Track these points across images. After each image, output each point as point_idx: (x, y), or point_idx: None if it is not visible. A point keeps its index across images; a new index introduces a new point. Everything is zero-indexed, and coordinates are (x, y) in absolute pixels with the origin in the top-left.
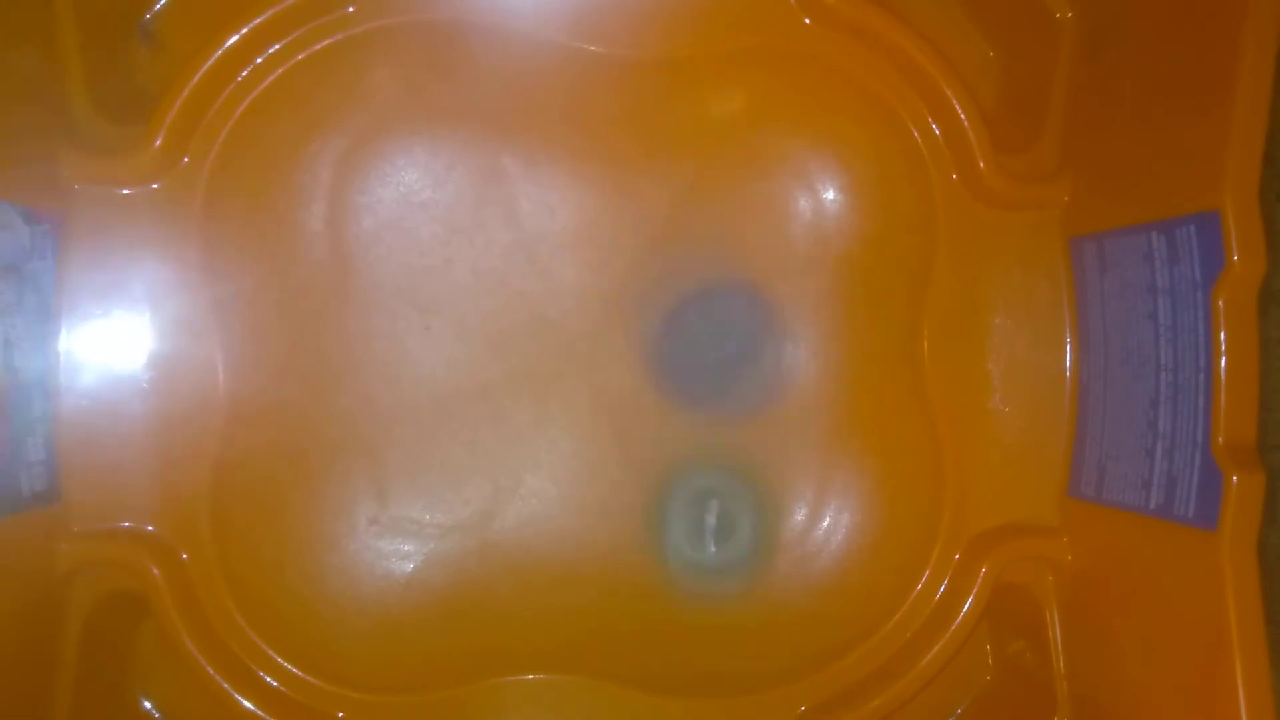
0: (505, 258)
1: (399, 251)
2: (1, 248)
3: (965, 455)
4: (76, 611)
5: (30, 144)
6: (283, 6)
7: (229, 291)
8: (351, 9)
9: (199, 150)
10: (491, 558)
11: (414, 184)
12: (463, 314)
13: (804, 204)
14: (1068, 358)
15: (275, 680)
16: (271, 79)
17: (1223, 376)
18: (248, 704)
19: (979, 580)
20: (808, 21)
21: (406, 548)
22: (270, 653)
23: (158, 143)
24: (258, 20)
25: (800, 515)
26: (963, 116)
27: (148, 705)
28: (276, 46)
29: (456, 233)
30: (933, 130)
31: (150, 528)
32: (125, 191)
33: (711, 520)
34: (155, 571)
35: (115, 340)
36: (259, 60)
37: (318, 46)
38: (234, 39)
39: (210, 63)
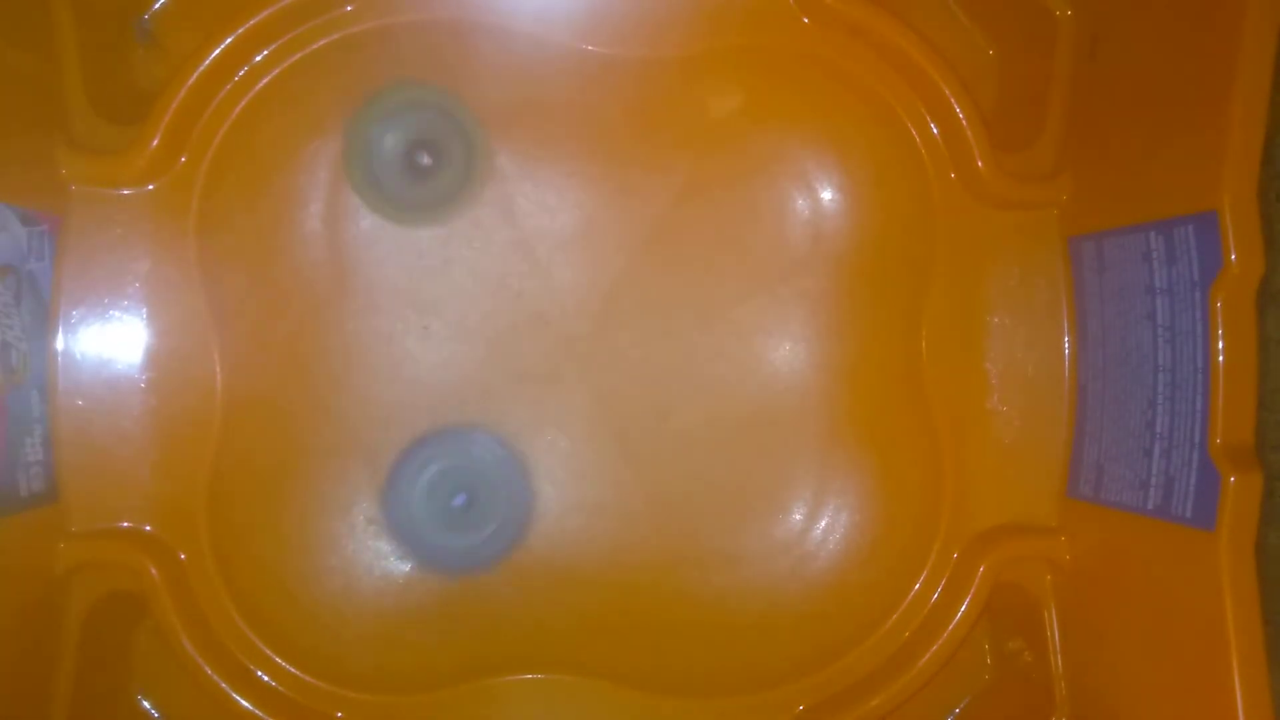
0: (503, 258)
1: (397, 251)
2: None
3: (964, 455)
4: (75, 611)
5: (27, 144)
6: (281, 6)
7: (227, 292)
8: (349, 8)
9: (196, 150)
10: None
11: None
12: (461, 314)
13: (802, 203)
14: (1066, 357)
15: (273, 680)
16: (269, 79)
17: (1220, 377)
18: (246, 704)
19: (977, 580)
20: (806, 21)
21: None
22: (268, 653)
23: (155, 143)
24: (255, 20)
25: (799, 515)
26: (961, 116)
27: (146, 705)
28: (274, 46)
29: (455, 233)
30: (931, 130)
31: (148, 528)
32: (123, 192)
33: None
34: (153, 571)
35: (113, 341)
36: (257, 60)
37: (315, 46)
38: (232, 38)
39: (208, 62)
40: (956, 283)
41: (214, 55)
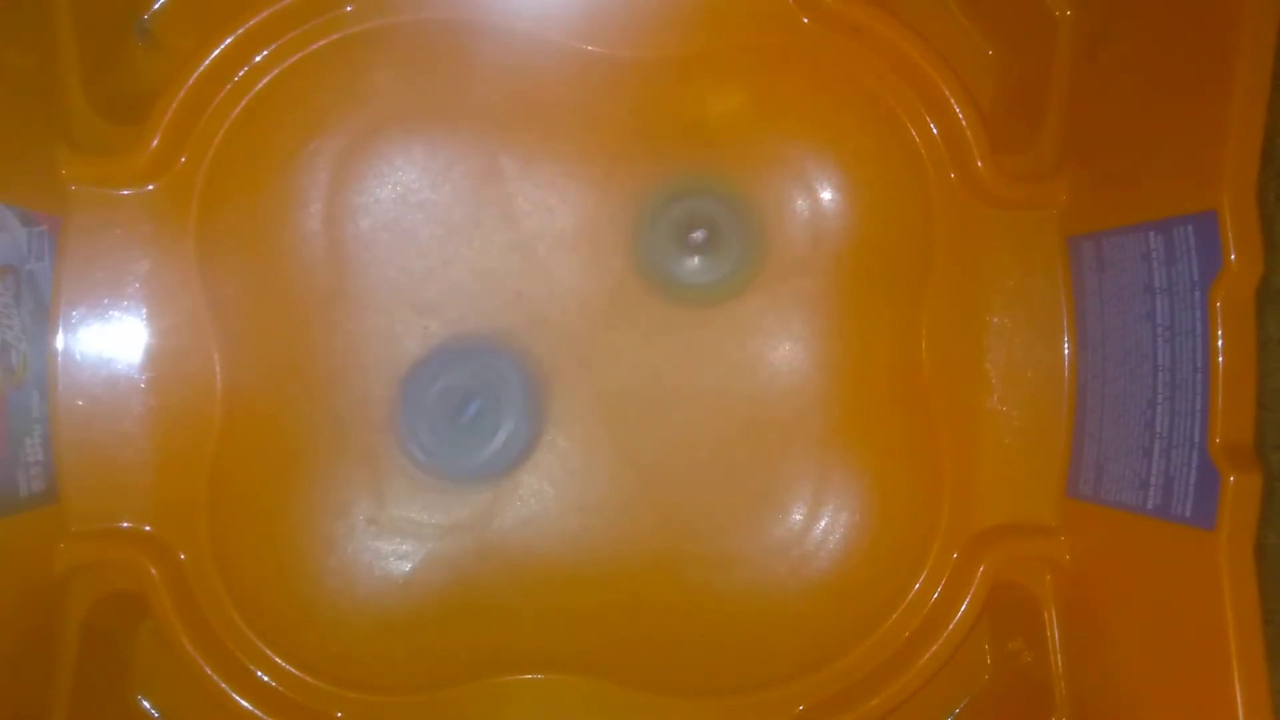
0: (503, 258)
1: (397, 252)
2: None
3: (963, 455)
4: (75, 611)
5: (27, 145)
6: (280, 6)
7: (227, 292)
8: (349, 8)
9: (196, 151)
10: (490, 558)
11: (412, 184)
12: (461, 314)
13: (801, 203)
14: (1066, 357)
15: (273, 680)
16: (269, 79)
17: (1220, 376)
18: (246, 704)
19: (977, 579)
20: (806, 21)
21: (405, 548)
22: (268, 653)
23: (155, 143)
24: (255, 20)
25: (799, 514)
26: (961, 116)
27: (146, 705)
28: (274, 46)
29: (454, 233)
30: (930, 129)
31: (148, 528)
32: (123, 192)
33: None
34: (153, 572)
35: (113, 341)
36: (256, 60)
37: (315, 46)
38: (231, 39)
39: (207, 63)
40: (956, 283)
41: (214, 55)
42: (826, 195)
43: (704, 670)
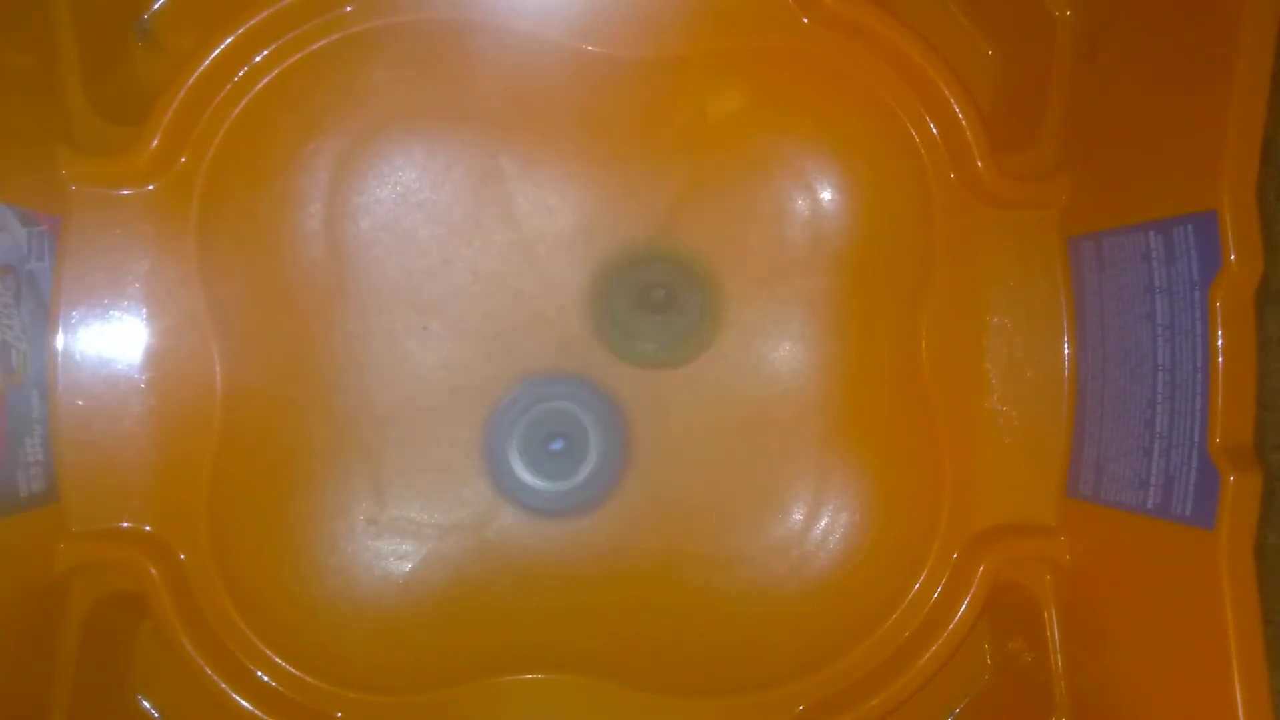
0: (503, 258)
1: (397, 252)
2: None
3: (963, 455)
4: (75, 611)
5: (27, 145)
6: (280, 6)
7: (227, 292)
8: (349, 9)
9: (196, 151)
10: (490, 558)
11: (412, 184)
12: (461, 314)
13: (801, 203)
14: (1065, 357)
15: (273, 680)
16: (269, 79)
17: (1220, 376)
18: (246, 704)
19: (977, 579)
20: (806, 21)
21: (405, 548)
22: (268, 653)
23: (155, 143)
24: (255, 20)
25: (799, 514)
26: (960, 116)
27: (146, 705)
28: (274, 46)
29: (454, 233)
30: (930, 129)
31: (148, 528)
32: (123, 192)
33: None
34: (153, 572)
35: (113, 341)
36: (256, 60)
37: (315, 46)
38: (231, 39)
39: (207, 63)
40: (956, 283)
41: (214, 55)
42: (826, 195)
43: (704, 670)
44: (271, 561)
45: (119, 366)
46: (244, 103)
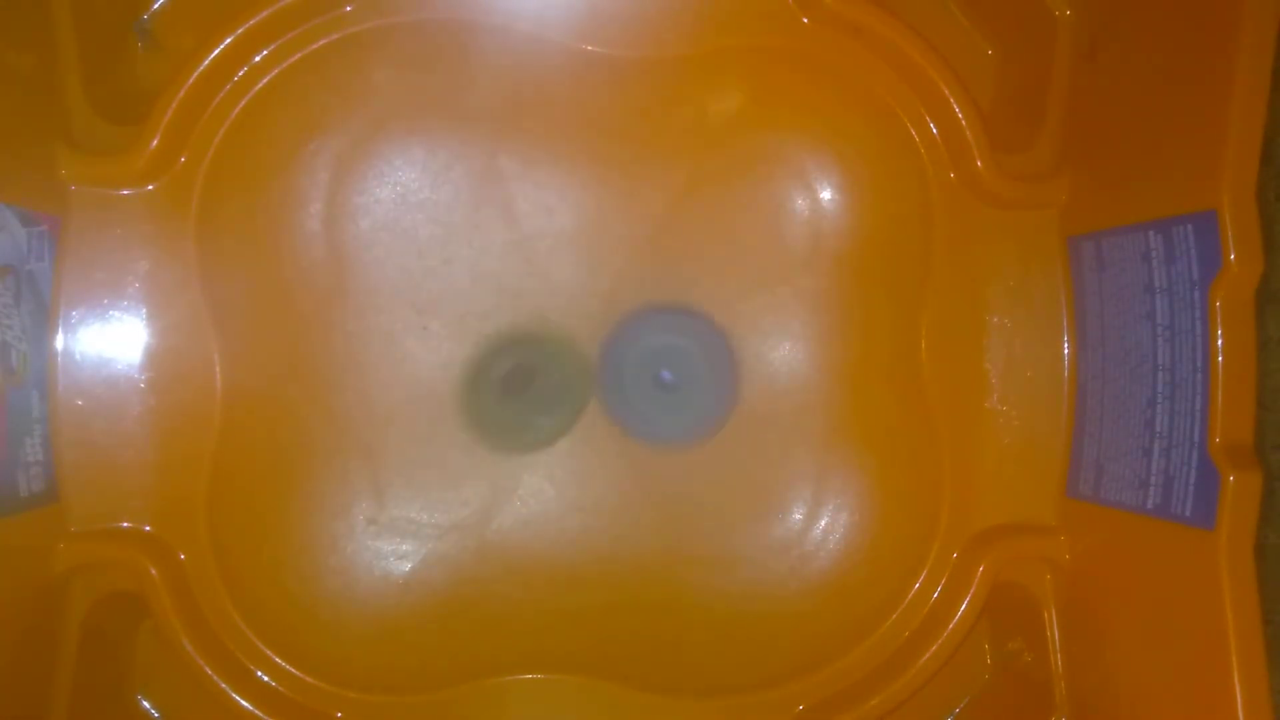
0: (503, 258)
1: (397, 252)
2: None
3: (963, 454)
4: (75, 611)
5: (27, 145)
6: (280, 6)
7: (226, 292)
8: (349, 8)
9: (196, 151)
10: (490, 558)
11: (412, 184)
12: (461, 314)
13: (801, 203)
14: (1065, 357)
15: (273, 680)
16: (269, 79)
17: (1220, 376)
18: (246, 704)
19: (977, 579)
20: (806, 21)
21: (404, 548)
22: (268, 653)
23: (154, 143)
24: (255, 20)
25: (798, 514)
26: (960, 115)
27: (146, 705)
28: (274, 46)
29: (454, 233)
30: (930, 129)
31: (148, 528)
32: (122, 192)
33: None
34: (153, 572)
35: (112, 341)
36: (256, 60)
37: (315, 46)
38: (231, 39)
39: (207, 62)
40: (956, 282)
41: (214, 55)
42: (826, 195)
43: (704, 670)
44: (271, 561)
45: (119, 366)
46: (244, 103)
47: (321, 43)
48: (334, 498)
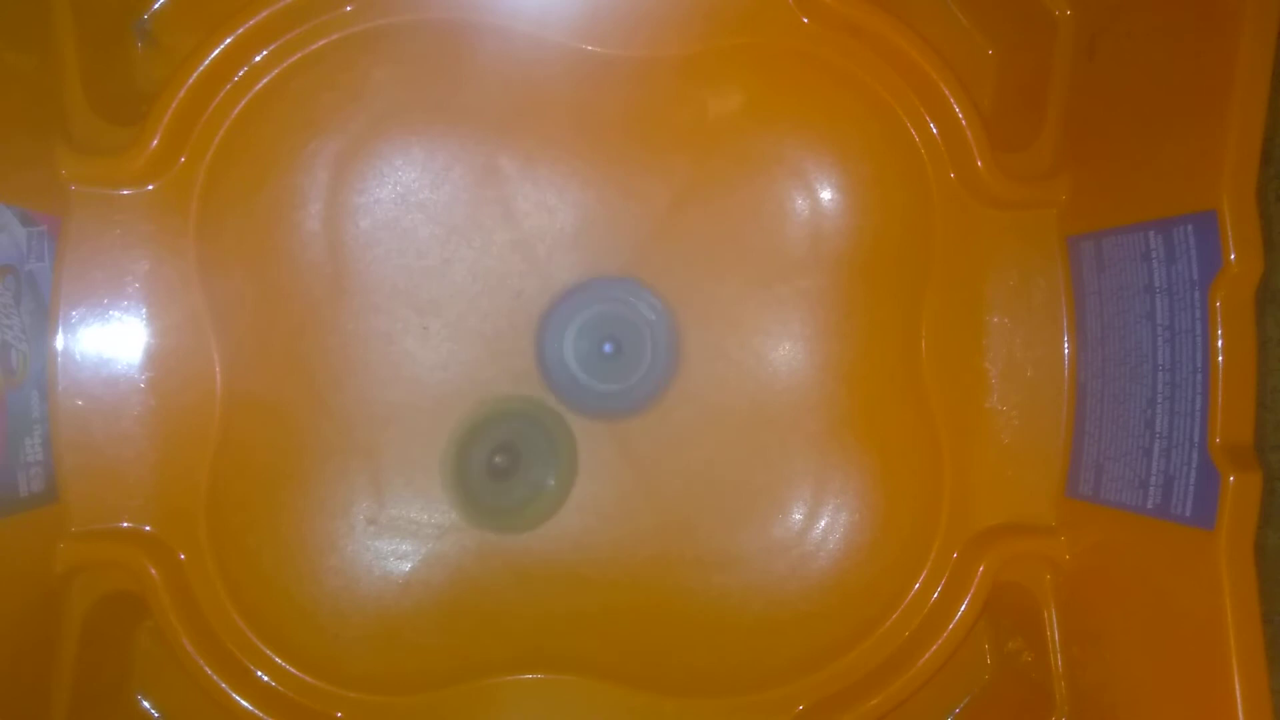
0: (503, 258)
1: (397, 252)
2: None
3: (963, 454)
4: (75, 611)
5: (27, 145)
6: (280, 6)
7: (226, 292)
8: (349, 8)
9: (196, 151)
10: (490, 558)
11: (412, 184)
12: (461, 314)
13: (801, 203)
14: (1065, 357)
15: (273, 680)
16: (269, 79)
17: (1220, 376)
18: (246, 704)
19: (977, 579)
20: (805, 21)
21: (404, 548)
22: (268, 653)
23: (154, 143)
24: (255, 20)
25: (799, 514)
26: (960, 115)
27: (146, 705)
28: (274, 46)
29: (454, 233)
30: (930, 129)
31: (148, 528)
32: (122, 192)
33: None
34: (153, 572)
35: (112, 341)
36: (256, 60)
37: (315, 46)
38: (231, 39)
39: (207, 62)
40: (956, 282)
41: (214, 55)
42: (826, 195)
43: (704, 670)
44: (271, 561)
45: (119, 366)
46: (244, 103)
47: (321, 43)
48: (334, 498)
